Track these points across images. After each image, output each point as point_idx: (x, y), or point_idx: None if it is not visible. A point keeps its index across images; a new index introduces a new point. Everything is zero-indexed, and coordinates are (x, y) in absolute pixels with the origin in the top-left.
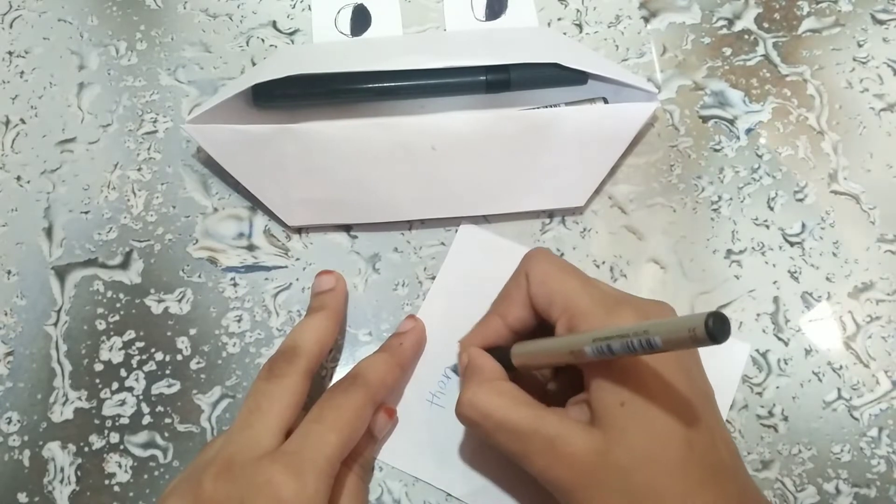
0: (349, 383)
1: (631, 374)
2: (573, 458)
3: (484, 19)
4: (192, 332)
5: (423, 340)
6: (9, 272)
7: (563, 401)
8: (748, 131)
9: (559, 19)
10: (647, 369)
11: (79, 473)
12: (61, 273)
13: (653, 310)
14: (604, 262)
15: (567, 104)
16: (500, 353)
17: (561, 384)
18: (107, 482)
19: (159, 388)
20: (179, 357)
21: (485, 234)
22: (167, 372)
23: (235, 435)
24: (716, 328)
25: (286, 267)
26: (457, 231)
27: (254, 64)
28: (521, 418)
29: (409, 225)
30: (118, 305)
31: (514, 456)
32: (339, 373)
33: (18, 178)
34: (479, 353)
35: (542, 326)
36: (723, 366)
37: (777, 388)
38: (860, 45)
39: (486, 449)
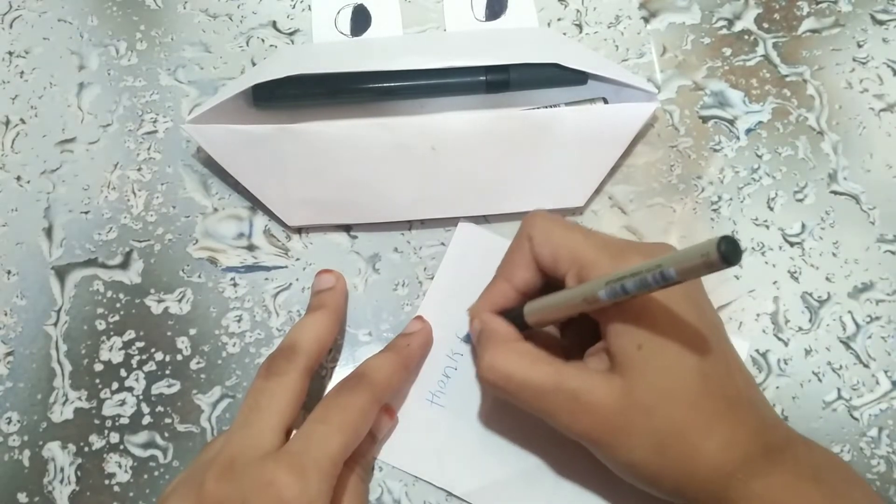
0: (355, 382)
1: (645, 316)
2: (597, 407)
3: (484, 19)
4: (192, 332)
5: (430, 342)
6: (9, 272)
7: (577, 354)
8: (748, 131)
9: (559, 19)
10: (659, 308)
11: (79, 473)
12: (61, 273)
13: (657, 251)
14: None
15: (567, 104)
16: (510, 315)
17: (573, 338)
18: (107, 482)
19: (159, 388)
20: (179, 357)
21: (483, 232)
22: (167, 372)
23: (236, 434)
24: (728, 250)
25: (286, 267)
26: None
27: (254, 64)
28: (541, 376)
29: (409, 225)
30: (118, 305)
31: (539, 413)
32: (340, 373)
33: (18, 178)
34: (491, 317)
35: (546, 287)
36: None
37: (777, 388)
38: (860, 46)
39: (485, 447)
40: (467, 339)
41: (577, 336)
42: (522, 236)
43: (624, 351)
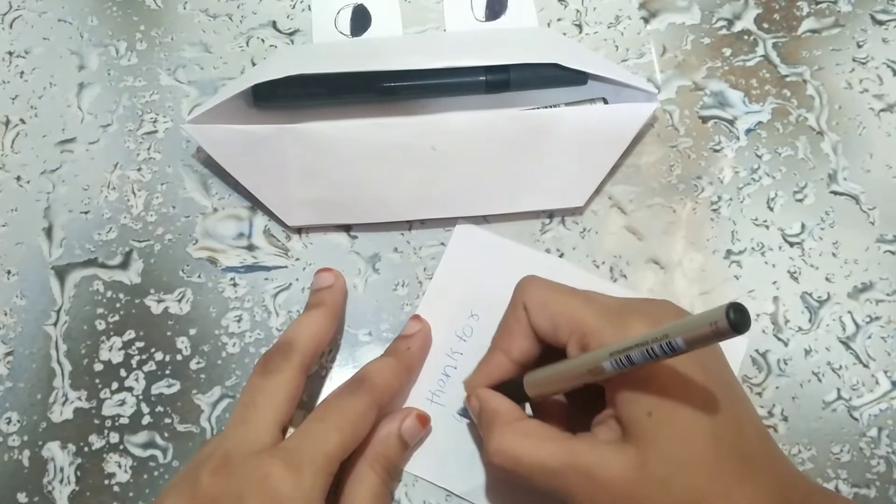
0: (356, 386)
1: (653, 382)
2: (613, 483)
3: (484, 19)
4: (192, 332)
5: (429, 343)
6: (9, 272)
7: (580, 415)
8: (748, 132)
9: (559, 19)
10: (667, 372)
11: (78, 473)
12: (61, 273)
13: (658, 311)
14: (604, 263)
15: (567, 104)
16: (509, 387)
17: (577, 399)
18: (106, 482)
19: (159, 388)
20: (179, 357)
21: (481, 233)
22: (167, 372)
23: (231, 431)
24: (737, 319)
25: (286, 267)
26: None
27: (254, 64)
28: (552, 455)
29: (409, 225)
30: (118, 305)
31: (554, 494)
32: (339, 372)
33: (18, 178)
34: (490, 394)
35: (544, 354)
36: None
37: (777, 388)
38: (860, 46)
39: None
40: (464, 412)
41: (582, 397)
42: (517, 305)
43: (634, 419)
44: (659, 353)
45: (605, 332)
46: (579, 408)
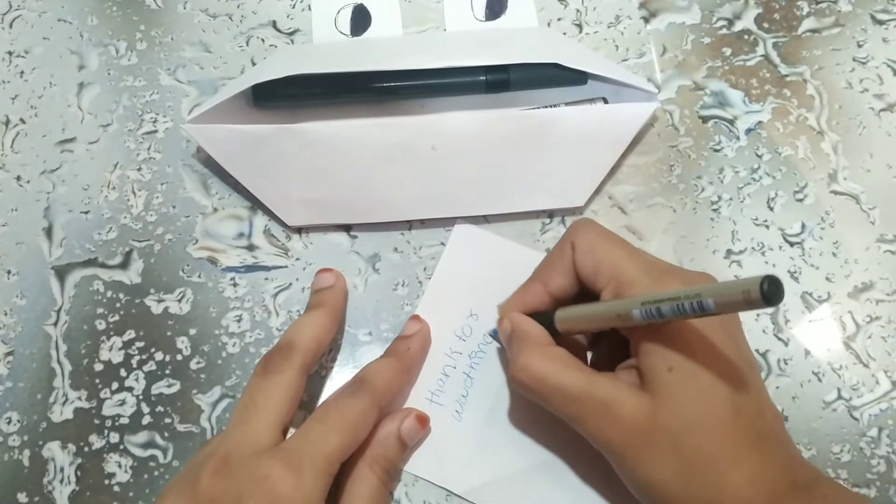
0: (356, 387)
1: (678, 340)
2: (625, 421)
3: (484, 19)
4: (192, 332)
5: (428, 342)
6: (9, 272)
7: (605, 366)
8: (748, 131)
9: (559, 19)
10: (694, 335)
11: (79, 473)
12: (61, 273)
13: (698, 279)
14: None
15: (567, 104)
16: (540, 318)
17: (602, 349)
18: (107, 482)
19: (159, 388)
20: (179, 357)
21: (479, 233)
22: (167, 372)
23: (232, 431)
24: (771, 291)
25: (286, 267)
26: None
27: (254, 64)
28: (574, 382)
29: (409, 225)
30: (118, 305)
31: (567, 418)
32: (339, 372)
33: (18, 178)
34: (523, 318)
35: (581, 294)
36: None
37: (777, 388)
38: (860, 46)
39: (485, 445)
40: (494, 333)
41: (607, 348)
42: (566, 242)
43: (654, 371)
44: (689, 310)
45: (641, 284)
46: (604, 356)
